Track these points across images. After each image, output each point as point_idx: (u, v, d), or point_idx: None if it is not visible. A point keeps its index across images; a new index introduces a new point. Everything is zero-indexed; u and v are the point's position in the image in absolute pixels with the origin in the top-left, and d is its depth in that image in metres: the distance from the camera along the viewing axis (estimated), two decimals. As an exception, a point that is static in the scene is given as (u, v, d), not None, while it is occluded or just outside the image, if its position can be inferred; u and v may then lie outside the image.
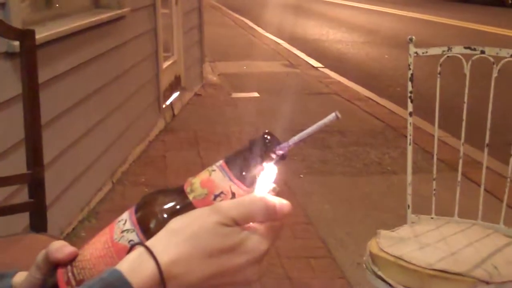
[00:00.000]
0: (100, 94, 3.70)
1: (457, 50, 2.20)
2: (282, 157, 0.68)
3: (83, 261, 0.68)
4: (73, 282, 0.67)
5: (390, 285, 1.91)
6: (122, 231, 0.67)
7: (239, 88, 7.08)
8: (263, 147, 0.68)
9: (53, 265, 0.69)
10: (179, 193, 0.68)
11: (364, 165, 4.59)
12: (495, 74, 2.14)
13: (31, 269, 0.70)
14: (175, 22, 6.10)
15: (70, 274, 0.68)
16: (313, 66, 8.83)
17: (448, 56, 2.21)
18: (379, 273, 1.95)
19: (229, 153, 0.69)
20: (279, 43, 11.00)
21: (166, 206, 0.67)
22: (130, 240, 0.66)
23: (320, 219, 3.56)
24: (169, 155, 4.69)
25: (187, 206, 0.66)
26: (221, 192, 0.66)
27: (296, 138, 0.69)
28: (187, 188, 0.67)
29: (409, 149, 2.29)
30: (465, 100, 2.20)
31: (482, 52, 2.17)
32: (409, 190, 2.29)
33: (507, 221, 2.19)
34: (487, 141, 2.21)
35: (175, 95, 5.99)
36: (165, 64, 5.61)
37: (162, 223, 0.65)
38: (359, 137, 5.20)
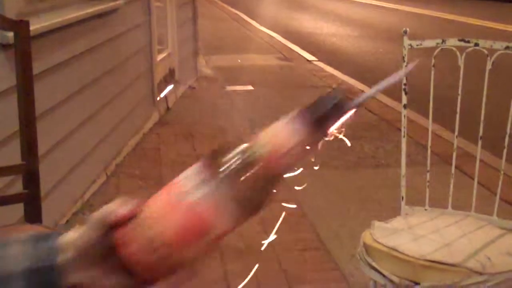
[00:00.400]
0: (95, 86, 3.69)
1: (451, 42, 2.21)
2: (348, 115, 0.68)
3: (144, 219, 0.66)
4: (132, 243, 0.66)
5: (384, 276, 1.92)
6: (189, 189, 0.66)
7: (233, 81, 7.07)
8: (333, 104, 0.68)
9: (109, 227, 0.67)
10: (245, 149, 0.67)
11: (359, 158, 4.60)
12: (489, 66, 2.15)
13: (83, 229, 0.69)
14: (169, 15, 6.08)
15: (128, 236, 0.66)
16: (307, 60, 8.83)
17: (442, 49, 2.22)
18: (373, 264, 1.96)
19: (296, 110, 0.69)
20: (273, 37, 10.99)
21: (234, 162, 0.66)
22: (197, 198, 0.65)
23: (315, 212, 3.56)
24: (164, 148, 4.69)
25: (254, 162, 0.66)
26: (289, 149, 0.67)
27: (365, 96, 0.69)
28: (252, 144, 0.67)
29: (403, 141, 2.30)
30: (459, 92, 2.21)
31: (476, 44, 2.18)
32: (403, 182, 2.29)
33: (500, 213, 2.20)
34: (480, 134, 2.22)
35: (169, 88, 5.98)
36: (159, 57, 5.59)
37: (231, 179, 0.65)
38: (354, 130, 5.20)
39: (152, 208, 0.67)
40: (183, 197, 0.65)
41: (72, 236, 0.69)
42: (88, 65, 3.59)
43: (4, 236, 0.72)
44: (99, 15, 3.74)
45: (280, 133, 0.67)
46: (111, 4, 3.97)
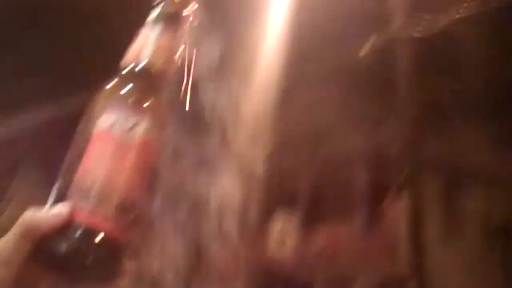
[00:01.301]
0: None
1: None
2: None
3: (99, 183, 0.60)
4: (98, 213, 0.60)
5: None
6: (129, 129, 0.63)
7: None
8: None
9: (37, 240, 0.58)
10: (143, 69, 0.67)
11: None
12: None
13: None
14: None
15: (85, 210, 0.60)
16: None
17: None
18: None
19: None
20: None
21: (143, 83, 0.66)
22: (144, 130, 0.63)
23: None
24: None
25: (156, 76, 0.67)
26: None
27: None
28: (143, 63, 0.67)
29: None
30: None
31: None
32: None
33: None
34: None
35: None
36: None
37: (156, 97, 0.65)
38: None
39: (100, 167, 0.62)
40: (130, 136, 0.63)
41: None
42: None
43: None
44: None
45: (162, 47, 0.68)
46: None
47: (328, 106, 2.26)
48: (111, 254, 0.58)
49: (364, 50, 2.17)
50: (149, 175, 0.62)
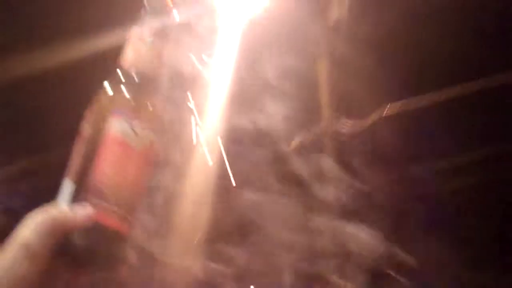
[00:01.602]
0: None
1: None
2: None
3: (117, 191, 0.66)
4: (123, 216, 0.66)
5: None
6: (138, 135, 0.67)
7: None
8: None
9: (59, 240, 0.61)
10: (140, 75, 0.71)
11: None
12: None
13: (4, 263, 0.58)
14: None
15: (109, 211, 0.65)
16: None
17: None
18: None
19: None
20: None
21: (141, 89, 0.70)
22: (149, 136, 0.68)
23: None
24: None
25: (152, 82, 0.71)
26: None
27: None
28: (140, 70, 0.71)
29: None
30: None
31: None
32: None
33: None
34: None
35: None
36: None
37: (154, 102, 0.70)
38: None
39: (119, 173, 0.66)
40: (136, 143, 0.67)
41: None
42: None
43: None
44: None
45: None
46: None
47: (260, 201, 2.34)
48: (123, 249, 0.65)
49: (292, 146, 2.25)
50: (149, 178, 0.68)
